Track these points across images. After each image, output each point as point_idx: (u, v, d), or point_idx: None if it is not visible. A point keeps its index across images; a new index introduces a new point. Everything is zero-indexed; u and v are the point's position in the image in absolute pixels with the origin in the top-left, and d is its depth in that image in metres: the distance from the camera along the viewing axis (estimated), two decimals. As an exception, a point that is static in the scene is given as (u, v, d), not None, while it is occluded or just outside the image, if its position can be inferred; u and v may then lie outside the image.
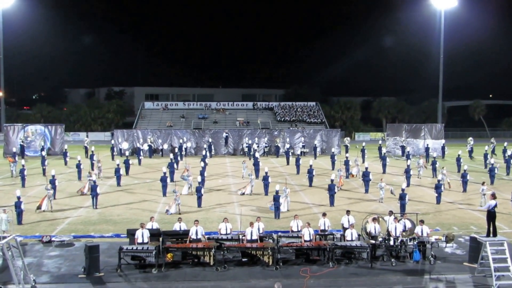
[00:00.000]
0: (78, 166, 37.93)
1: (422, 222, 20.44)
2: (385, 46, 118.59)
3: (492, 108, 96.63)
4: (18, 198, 24.82)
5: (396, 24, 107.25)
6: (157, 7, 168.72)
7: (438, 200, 29.79)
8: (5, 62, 59.56)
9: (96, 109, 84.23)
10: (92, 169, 37.63)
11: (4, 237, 16.26)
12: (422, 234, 19.89)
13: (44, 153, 44.64)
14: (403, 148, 52.54)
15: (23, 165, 35.70)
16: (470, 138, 53.71)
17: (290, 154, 48.09)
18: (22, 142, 51.30)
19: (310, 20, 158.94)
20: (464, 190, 33.06)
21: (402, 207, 26.50)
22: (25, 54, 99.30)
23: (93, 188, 28.56)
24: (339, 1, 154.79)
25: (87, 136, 64.37)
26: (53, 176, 31.17)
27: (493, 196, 19.65)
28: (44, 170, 39.10)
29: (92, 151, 44.35)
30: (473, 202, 29.67)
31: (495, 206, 18.95)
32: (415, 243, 19.69)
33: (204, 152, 45.52)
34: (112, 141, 53.67)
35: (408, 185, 32.93)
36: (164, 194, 31.63)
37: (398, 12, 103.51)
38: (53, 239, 21.75)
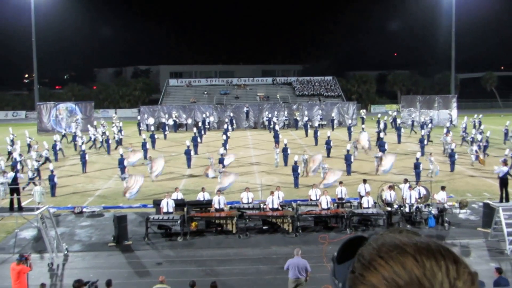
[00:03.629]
0: (107, 141, 38.24)
1: (443, 188, 20.17)
2: (399, 21, 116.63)
3: (504, 80, 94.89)
4: (52, 171, 25.03)
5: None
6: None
7: (452, 168, 29.39)
8: (37, 44, 59.74)
9: (124, 87, 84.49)
10: (121, 144, 37.88)
11: (38, 209, 16.36)
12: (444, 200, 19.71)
13: (74, 129, 45.06)
14: (413, 121, 51.31)
15: (55, 141, 35.93)
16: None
17: (309, 126, 47.79)
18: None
19: (328, 2, 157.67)
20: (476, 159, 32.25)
21: (417, 175, 26.16)
22: (56, 37, 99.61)
23: (120, 162, 28.61)
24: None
25: (115, 113, 64.64)
26: (83, 151, 31.44)
27: (505, 163, 19.40)
28: (75, 145, 39.39)
29: (120, 127, 44.52)
30: (487, 170, 29.05)
31: (507, 173, 18.67)
32: (429, 209, 19.47)
33: (226, 126, 45.34)
34: (139, 117, 53.86)
35: (422, 154, 32.37)
36: (189, 166, 31.64)
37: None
38: (84, 210, 21.96)
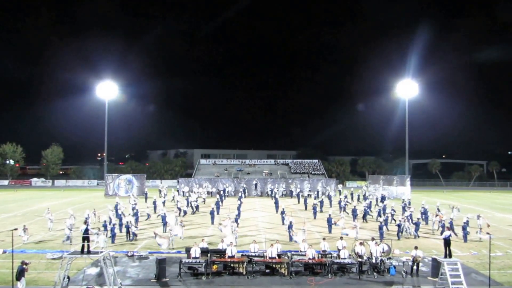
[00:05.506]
0: (154, 202, 38.31)
1: (416, 248, 19.69)
2: (369, 121, 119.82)
3: (445, 165, 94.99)
4: (114, 225, 24.97)
5: (375, 106, 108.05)
6: (209, 96, 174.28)
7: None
8: (108, 134, 61.26)
9: (168, 164, 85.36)
10: (164, 205, 37.75)
11: (101, 252, 16.27)
12: (416, 255, 19.16)
13: (131, 194, 45.20)
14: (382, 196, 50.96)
15: (117, 202, 35.98)
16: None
17: (300, 196, 47.57)
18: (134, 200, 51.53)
19: (319, 104, 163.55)
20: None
21: (381, 235, 25.66)
22: (121, 128, 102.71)
23: (163, 218, 28.54)
24: (335, 92, 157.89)
25: (161, 182, 64.98)
26: (137, 209, 31.37)
27: (448, 228, 19.07)
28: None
29: (165, 193, 44.69)
30: (434, 234, 28.44)
31: (450, 235, 18.38)
32: (391, 261, 19.02)
33: (240, 194, 45.31)
34: (177, 186, 54.09)
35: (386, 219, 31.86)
36: (212, 222, 31.34)
37: (376, 98, 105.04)
38: (135, 254, 21.69)
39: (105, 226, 25.31)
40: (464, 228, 26.25)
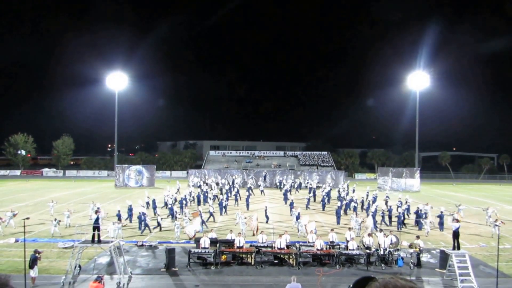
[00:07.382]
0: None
1: (418, 237, 19.86)
2: (378, 113, 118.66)
3: (455, 158, 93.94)
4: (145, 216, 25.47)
5: (385, 98, 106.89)
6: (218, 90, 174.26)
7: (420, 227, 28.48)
8: (118, 125, 61.51)
9: (177, 155, 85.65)
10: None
11: (111, 241, 16.47)
12: (415, 243, 19.43)
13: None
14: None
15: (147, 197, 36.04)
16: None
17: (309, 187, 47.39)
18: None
19: (329, 96, 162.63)
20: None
21: (374, 226, 25.59)
22: (131, 118, 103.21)
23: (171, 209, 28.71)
24: (342, 82, 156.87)
25: (170, 175, 65.26)
26: (147, 201, 31.63)
27: (457, 220, 18.92)
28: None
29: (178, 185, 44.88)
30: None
31: (459, 227, 18.25)
32: (399, 253, 18.99)
33: (249, 185, 45.36)
34: (187, 177, 54.40)
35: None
36: (221, 213, 31.47)
37: (386, 90, 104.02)
38: (144, 243, 21.91)
39: (118, 216, 25.62)
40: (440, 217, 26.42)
